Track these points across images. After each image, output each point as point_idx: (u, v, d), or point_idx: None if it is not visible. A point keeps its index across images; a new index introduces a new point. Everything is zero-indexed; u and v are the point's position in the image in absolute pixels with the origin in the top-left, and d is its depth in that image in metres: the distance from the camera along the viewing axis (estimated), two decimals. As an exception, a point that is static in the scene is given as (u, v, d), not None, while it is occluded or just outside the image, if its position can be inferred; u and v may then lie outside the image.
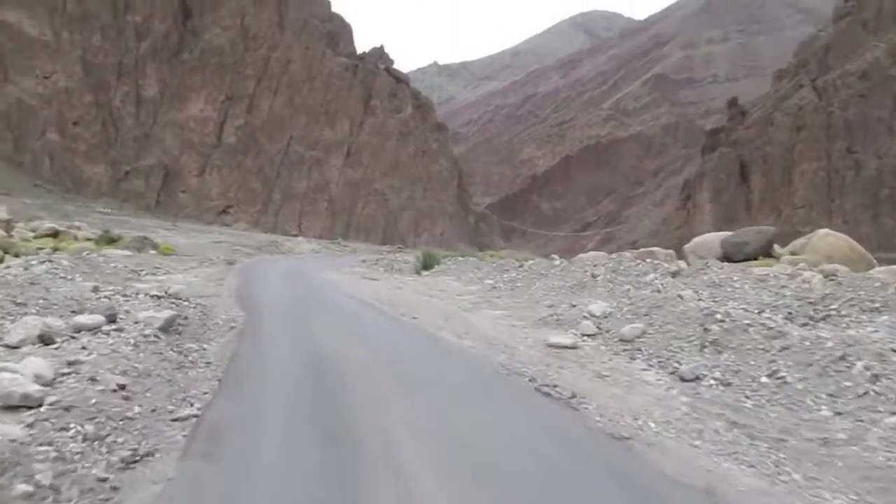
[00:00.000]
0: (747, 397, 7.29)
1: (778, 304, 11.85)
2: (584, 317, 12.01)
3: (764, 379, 7.61)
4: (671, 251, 28.45)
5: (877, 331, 9.05)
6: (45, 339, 7.49)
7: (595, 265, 19.15)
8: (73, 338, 7.89)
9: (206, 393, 7.13)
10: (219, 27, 77.28)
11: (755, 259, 21.76)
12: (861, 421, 6.27)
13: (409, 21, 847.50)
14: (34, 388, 5.56)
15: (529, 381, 8.19)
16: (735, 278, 14.94)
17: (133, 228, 42.28)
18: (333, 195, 76.70)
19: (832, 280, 13.70)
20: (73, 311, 9.72)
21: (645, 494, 5.09)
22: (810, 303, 11.66)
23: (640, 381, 8.26)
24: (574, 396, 7.45)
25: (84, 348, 7.36)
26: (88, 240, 30.07)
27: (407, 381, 8.19)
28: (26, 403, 5.40)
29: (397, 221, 77.31)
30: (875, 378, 6.91)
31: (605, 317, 11.75)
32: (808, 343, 8.07)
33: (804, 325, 10.26)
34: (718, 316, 9.77)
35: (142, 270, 19.77)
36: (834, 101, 73.22)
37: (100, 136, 71.40)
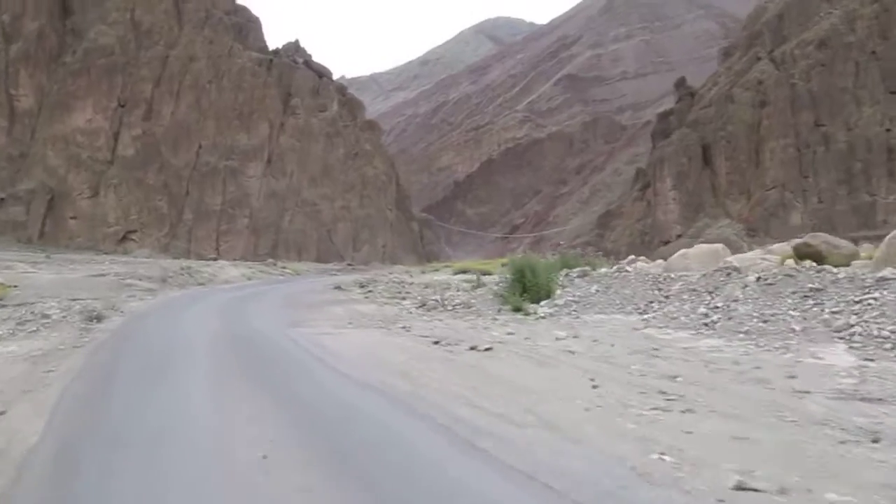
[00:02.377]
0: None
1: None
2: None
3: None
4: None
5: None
6: None
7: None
8: None
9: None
10: (104, 23, 65.90)
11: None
12: None
13: (311, 37, 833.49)
14: None
15: None
16: None
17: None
18: (255, 210, 66.29)
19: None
20: None
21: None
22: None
23: None
24: None
25: None
26: None
27: None
28: None
29: (332, 235, 67.57)
30: None
31: None
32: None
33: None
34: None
35: None
36: (794, 72, 68.37)
37: (-37, 156, 58.93)
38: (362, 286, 26.52)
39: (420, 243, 75.73)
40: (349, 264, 56.68)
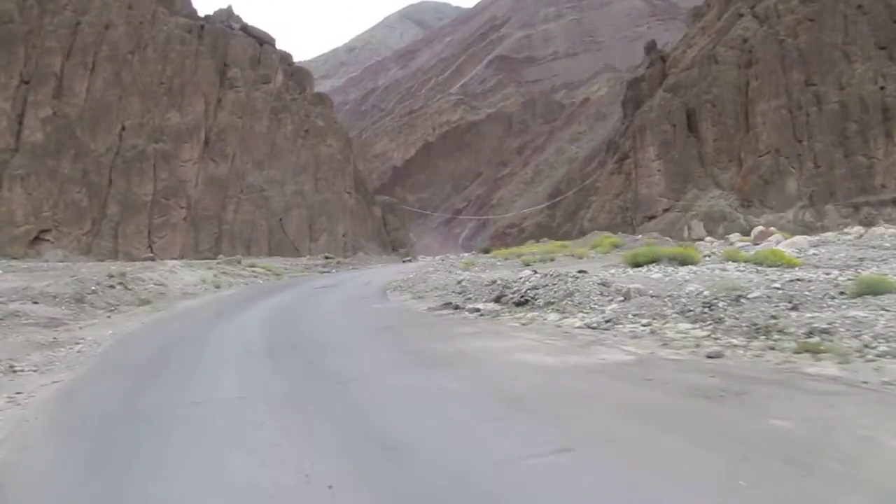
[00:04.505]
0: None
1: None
2: None
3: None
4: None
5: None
6: None
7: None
8: None
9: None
10: (-2, -15, 55.30)
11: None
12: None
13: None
14: None
15: None
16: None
17: None
18: (193, 199, 57.06)
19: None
20: None
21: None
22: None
23: None
24: None
25: None
26: None
27: None
28: None
29: (285, 225, 58.91)
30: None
31: None
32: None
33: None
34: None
35: None
36: (780, 29, 63.54)
37: None
38: (451, 305, 16.57)
39: (384, 230, 67.79)
40: (327, 257, 48.86)
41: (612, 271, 18.31)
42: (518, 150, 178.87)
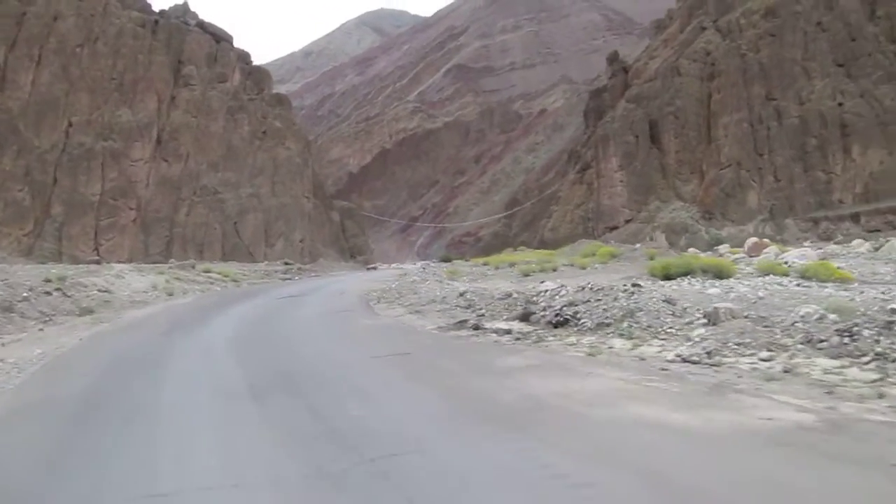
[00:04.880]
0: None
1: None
2: None
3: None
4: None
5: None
6: None
7: None
8: None
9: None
10: (-64, -30, 52.27)
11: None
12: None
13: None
14: None
15: None
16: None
17: None
18: (143, 200, 54.60)
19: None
20: None
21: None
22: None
23: None
24: None
25: None
26: None
27: None
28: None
29: (239, 228, 56.77)
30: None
31: None
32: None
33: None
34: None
35: None
36: (742, 43, 63.96)
37: None
38: (467, 324, 13.80)
39: (343, 236, 66.01)
40: (285, 262, 46.93)
41: (644, 284, 15.44)
42: (475, 159, 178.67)
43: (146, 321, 18.26)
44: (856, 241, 38.73)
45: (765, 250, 28.32)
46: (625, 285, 14.25)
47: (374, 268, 60.76)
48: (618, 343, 10.03)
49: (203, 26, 61.52)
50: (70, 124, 53.79)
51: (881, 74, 62.53)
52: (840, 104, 61.45)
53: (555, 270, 26.63)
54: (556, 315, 12.16)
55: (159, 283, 30.20)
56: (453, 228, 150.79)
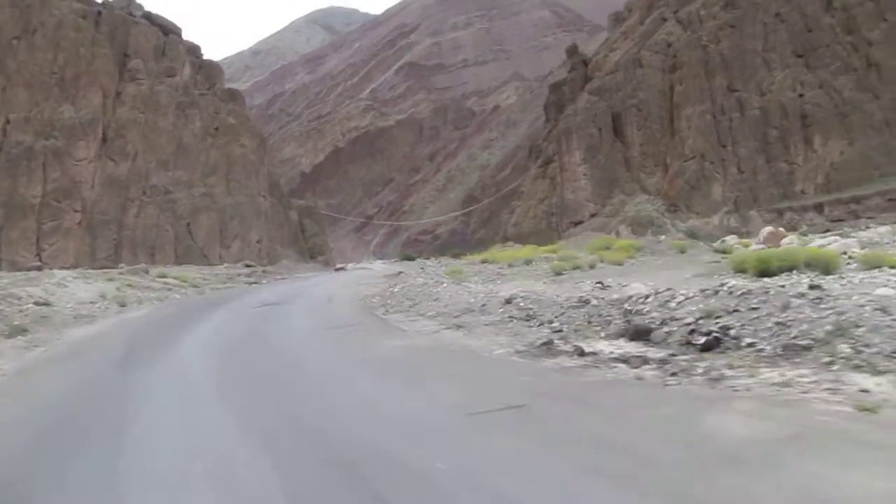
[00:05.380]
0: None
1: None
2: None
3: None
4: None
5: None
6: None
7: None
8: None
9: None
10: None
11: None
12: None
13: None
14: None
15: None
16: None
17: None
18: (89, 202, 51.54)
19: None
20: None
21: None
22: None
23: None
24: None
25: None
26: None
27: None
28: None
29: (193, 230, 54.05)
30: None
31: None
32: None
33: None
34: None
35: None
36: (702, 34, 63.64)
37: None
38: (557, 348, 9.65)
39: (302, 236, 63.58)
40: (247, 265, 44.52)
41: (750, 284, 11.63)
42: (430, 157, 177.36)
43: (94, 344, 14.35)
44: (882, 228, 35.80)
45: (784, 240, 27.00)
46: (807, 285, 10.63)
47: (343, 268, 58.65)
48: (867, 382, 6.23)
49: (150, 18, 58.50)
50: (7, 122, 50.48)
51: (839, 65, 62.85)
52: (800, 95, 61.57)
53: (592, 268, 23.45)
54: (701, 333, 8.51)
55: (109, 291, 26.68)
56: (410, 227, 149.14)
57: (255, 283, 37.92)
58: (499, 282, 21.40)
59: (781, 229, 35.20)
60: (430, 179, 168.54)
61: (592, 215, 62.73)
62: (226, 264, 48.64)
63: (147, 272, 35.24)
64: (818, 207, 57.04)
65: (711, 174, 60.31)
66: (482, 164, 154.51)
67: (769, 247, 21.87)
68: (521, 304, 14.11)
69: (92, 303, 23.36)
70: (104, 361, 11.47)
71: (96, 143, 52.31)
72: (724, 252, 25.34)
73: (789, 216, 57.65)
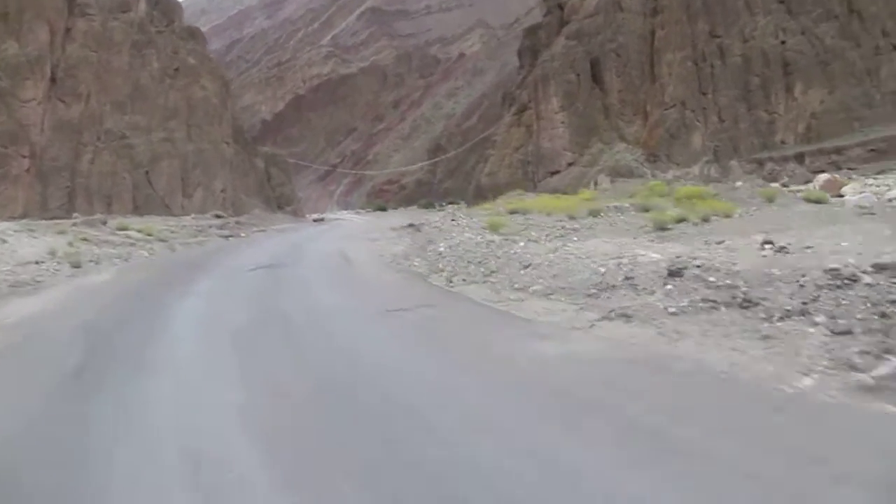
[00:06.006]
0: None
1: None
2: None
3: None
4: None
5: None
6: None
7: None
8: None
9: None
10: None
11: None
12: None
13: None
14: None
15: None
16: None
17: None
18: (38, 147, 47.96)
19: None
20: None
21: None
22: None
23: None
24: None
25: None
26: None
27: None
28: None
29: (152, 178, 50.90)
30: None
31: None
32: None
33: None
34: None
35: None
36: (684, -23, 61.42)
37: None
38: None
39: (268, 185, 60.66)
40: (234, 219, 41.77)
41: None
42: (394, 105, 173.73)
43: (34, 335, 9.76)
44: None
45: (841, 189, 25.41)
46: None
47: (322, 219, 56.05)
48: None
49: (99, -52, 54.07)
50: (-56, 59, 46.38)
51: (820, 12, 61.46)
52: (782, 42, 60.11)
53: (707, 221, 18.34)
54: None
55: (59, 247, 22.48)
56: (374, 176, 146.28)
57: (231, 235, 34.62)
58: (576, 238, 16.75)
59: (837, 176, 33.73)
60: (395, 128, 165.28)
61: (570, 164, 60.94)
62: (193, 215, 45.81)
63: (105, 223, 31.97)
64: (799, 157, 56.06)
65: (692, 123, 58.81)
66: (448, 113, 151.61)
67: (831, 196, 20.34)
68: (708, 279, 8.96)
69: (38, 263, 19.24)
70: (45, 376, 7.04)
71: (44, 83, 48.47)
72: (817, 201, 21.62)
73: (770, 166, 56.62)
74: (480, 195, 67.68)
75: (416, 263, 16.20)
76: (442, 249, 17.40)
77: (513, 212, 26.71)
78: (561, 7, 70.48)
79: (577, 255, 12.77)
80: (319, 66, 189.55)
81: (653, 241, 14.76)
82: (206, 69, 55.87)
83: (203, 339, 8.96)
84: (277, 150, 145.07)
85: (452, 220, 27.50)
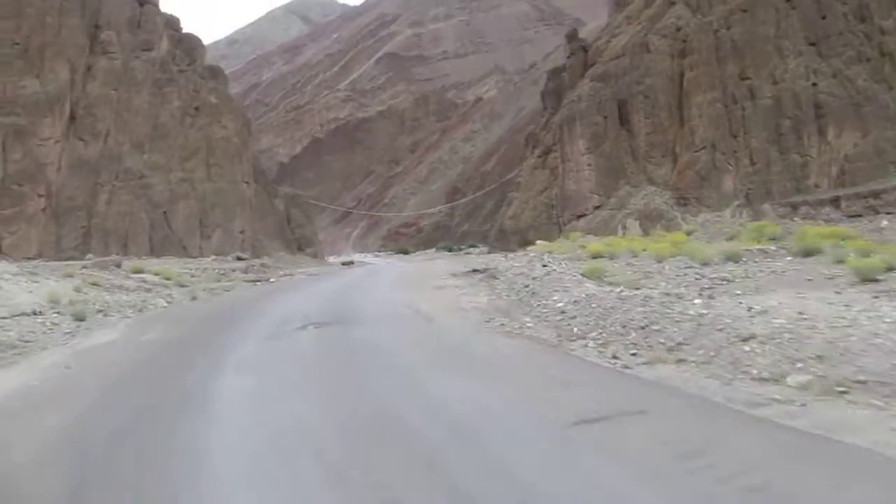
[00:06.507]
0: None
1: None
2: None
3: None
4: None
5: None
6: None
7: None
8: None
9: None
10: None
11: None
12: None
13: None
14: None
15: None
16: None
17: None
18: (55, 186, 46.89)
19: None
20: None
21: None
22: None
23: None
24: None
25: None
26: None
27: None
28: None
29: (170, 218, 49.64)
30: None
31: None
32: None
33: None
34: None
35: None
36: (712, 19, 60.50)
37: None
38: None
39: (288, 227, 59.31)
40: (261, 263, 40.03)
41: None
42: (411, 149, 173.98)
43: None
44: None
45: None
46: None
47: (351, 262, 54.43)
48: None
49: (124, -14, 53.77)
50: (-36, 96, 45.65)
51: (851, 54, 60.32)
52: (814, 84, 58.80)
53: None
54: None
55: (64, 293, 19.38)
56: (390, 219, 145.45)
57: (257, 280, 31.73)
58: (739, 292, 12.91)
59: None
60: (412, 171, 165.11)
61: (596, 207, 59.37)
62: (213, 256, 44.30)
63: (119, 266, 29.63)
64: (834, 201, 54.23)
65: (723, 165, 57.23)
66: (465, 157, 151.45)
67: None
68: None
69: (34, 314, 15.97)
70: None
71: (63, 121, 47.61)
72: None
73: (805, 210, 54.82)
74: (503, 238, 66.15)
75: (528, 324, 12.59)
76: (561, 305, 13.45)
77: (595, 256, 23.43)
78: (585, 49, 69.76)
79: (811, 322, 8.77)
80: (337, 110, 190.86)
81: (877, 296, 10.90)
82: (227, 108, 54.98)
83: (259, 468, 5.33)
84: (298, 192, 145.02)
85: (543, 264, 22.54)
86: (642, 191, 58.24)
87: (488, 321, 13.49)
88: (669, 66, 59.65)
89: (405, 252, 78.82)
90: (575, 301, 13.25)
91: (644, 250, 23.24)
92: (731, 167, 57.23)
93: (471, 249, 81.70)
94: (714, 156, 57.19)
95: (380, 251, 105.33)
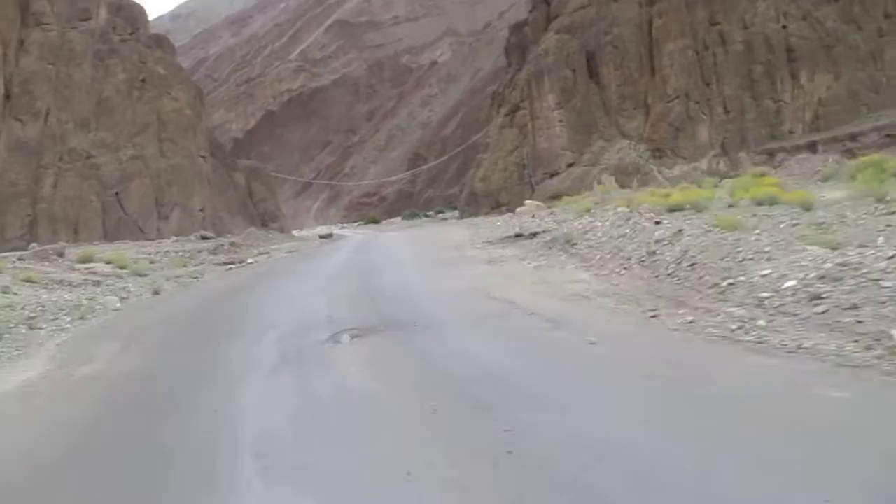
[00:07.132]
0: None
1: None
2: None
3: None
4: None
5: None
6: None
7: None
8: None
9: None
10: None
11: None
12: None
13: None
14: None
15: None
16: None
17: None
18: (-7, 170, 43.31)
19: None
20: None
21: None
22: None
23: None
24: None
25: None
26: None
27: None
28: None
29: (123, 200, 46.37)
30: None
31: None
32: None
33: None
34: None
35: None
36: (678, -37, 58.48)
37: None
38: None
39: (250, 201, 56.25)
40: (231, 241, 36.88)
41: None
42: (367, 117, 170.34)
43: None
44: None
45: None
46: None
47: (330, 235, 51.74)
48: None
49: (53, -49, 49.55)
50: None
51: (820, -6, 59.07)
52: (784, 27, 57.41)
53: None
54: None
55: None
56: (351, 189, 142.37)
57: (231, 263, 27.22)
58: None
59: None
60: (370, 140, 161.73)
61: (570, 165, 57.49)
62: (174, 238, 41.30)
63: (62, 255, 24.72)
64: (811, 146, 53.24)
65: (697, 115, 55.71)
66: (423, 122, 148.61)
67: None
68: None
69: None
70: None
71: (-2, 100, 43.86)
72: None
73: (781, 157, 53.72)
74: (474, 201, 64.07)
75: (759, 322, 7.54)
76: (794, 283, 8.24)
77: (674, 208, 18.09)
78: (547, 2, 67.26)
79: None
80: (289, 81, 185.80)
81: None
82: (176, 79, 51.44)
83: None
84: (258, 164, 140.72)
85: (656, 221, 15.88)
86: (616, 145, 56.51)
87: (654, 316, 8.69)
88: (638, 15, 57.65)
89: (376, 221, 76.23)
90: (829, 278, 7.94)
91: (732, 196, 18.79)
92: (705, 116, 55.73)
93: (439, 215, 79.58)
94: (687, 105, 55.58)
95: (343, 222, 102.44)
